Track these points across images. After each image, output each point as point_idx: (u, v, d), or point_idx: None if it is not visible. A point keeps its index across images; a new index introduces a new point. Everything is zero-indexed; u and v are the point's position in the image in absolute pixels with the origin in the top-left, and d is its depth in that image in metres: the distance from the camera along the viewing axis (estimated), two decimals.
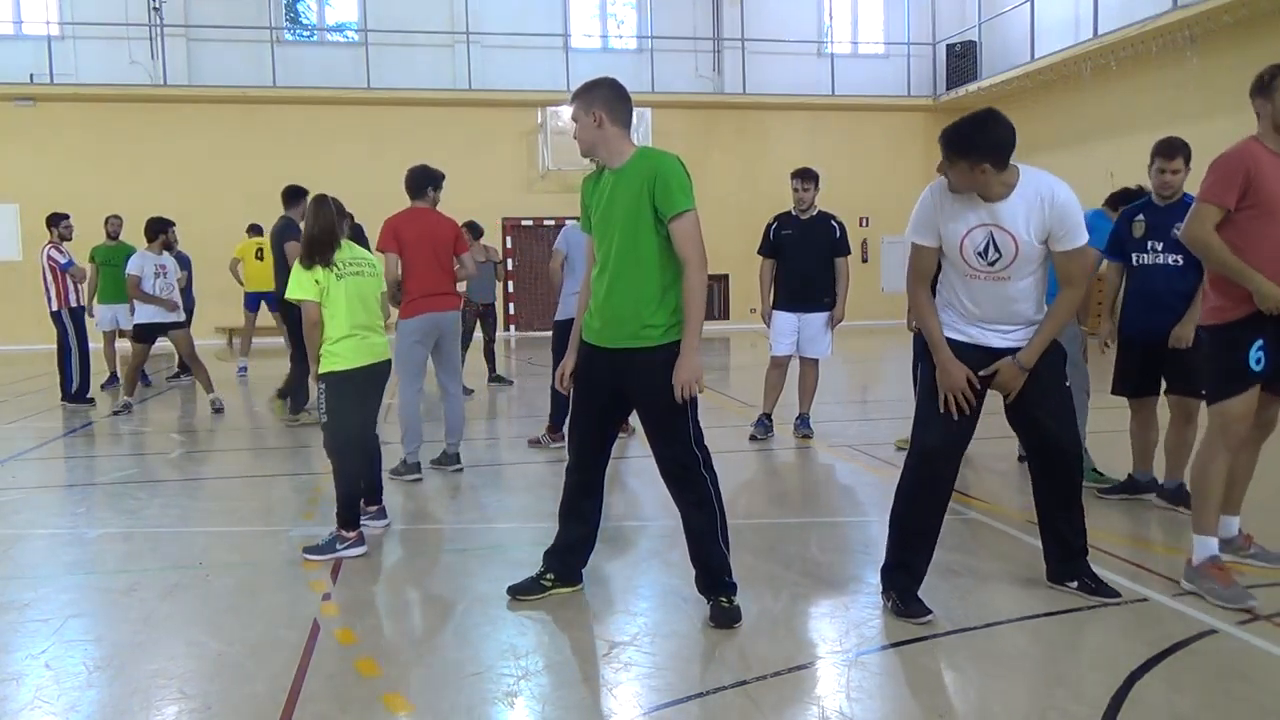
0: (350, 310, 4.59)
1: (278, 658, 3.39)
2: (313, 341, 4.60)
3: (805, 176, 7.45)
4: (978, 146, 3.41)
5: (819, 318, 7.50)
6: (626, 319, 3.60)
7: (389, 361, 4.81)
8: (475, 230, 10.73)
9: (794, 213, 7.49)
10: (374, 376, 4.70)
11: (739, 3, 20.59)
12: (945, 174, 3.58)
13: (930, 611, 3.60)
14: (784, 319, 7.51)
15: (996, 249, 3.53)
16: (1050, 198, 3.49)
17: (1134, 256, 5.15)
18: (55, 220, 10.38)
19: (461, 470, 6.42)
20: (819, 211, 7.48)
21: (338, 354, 4.56)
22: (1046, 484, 3.87)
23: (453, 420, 6.44)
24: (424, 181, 6.37)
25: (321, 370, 4.57)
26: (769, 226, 7.58)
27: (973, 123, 3.49)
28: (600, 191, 3.70)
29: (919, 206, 3.68)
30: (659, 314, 3.57)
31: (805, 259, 7.41)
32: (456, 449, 6.47)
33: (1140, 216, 5.15)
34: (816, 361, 7.64)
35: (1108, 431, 6.22)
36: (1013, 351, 3.65)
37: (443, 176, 6.50)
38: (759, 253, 7.62)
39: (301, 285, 4.54)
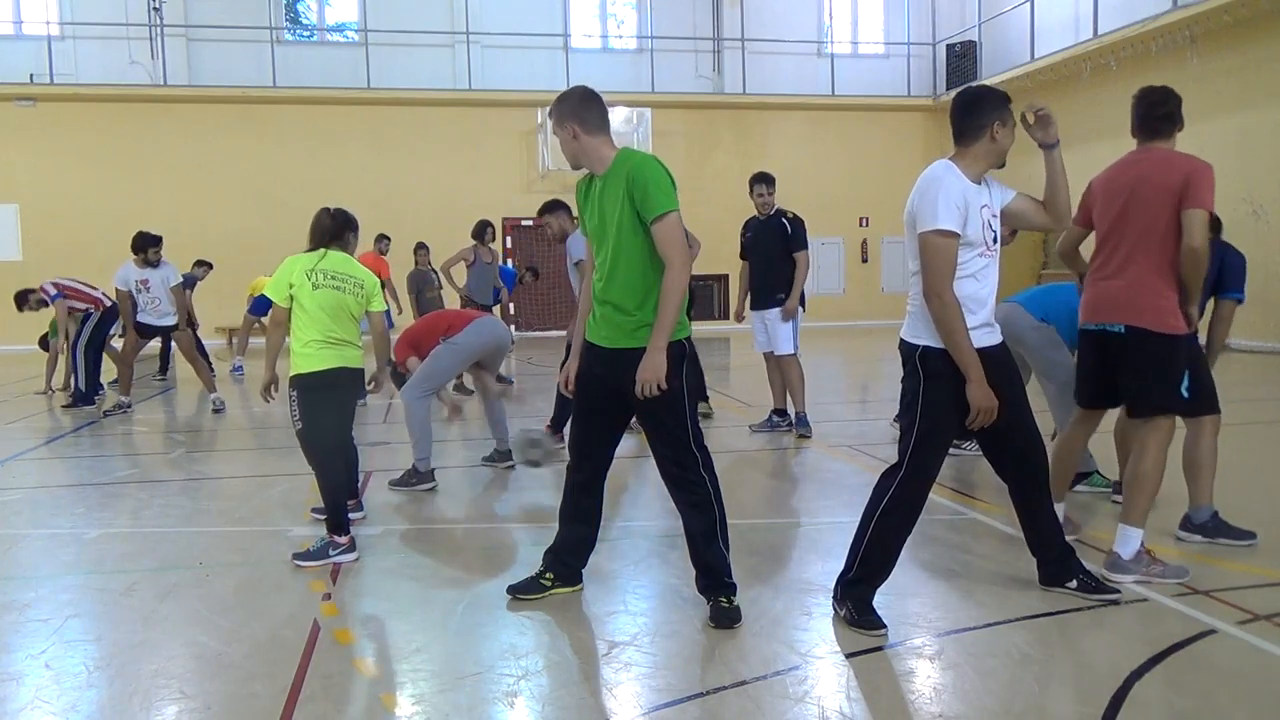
0: (320, 320, 4.61)
1: (278, 658, 3.39)
2: (271, 342, 4.87)
3: (762, 180, 7.74)
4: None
5: (774, 314, 7.75)
6: (622, 320, 3.61)
7: (359, 371, 4.81)
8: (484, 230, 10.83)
9: (756, 215, 7.87)
10: (342, 381, 4.70)
11: (739, 3, 20.58)
12: (1001, 139, 3.57)
13: (885, 625, 3.53)
14: (753, 318, 7.97)
15: (993, 226, 3.59)
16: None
17: None
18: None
19: (513, 467, 6.46)
20: (775, 210, 7.78)
21: (307, 356, 4.59)
22: (1021, 488, 3.82)
23: (502, 418, 6.60)
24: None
25: (292, 373, 4.61)
26: (742, 230, 8.03)
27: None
28: (592, 197, 3.71)
29: (945, 188, 3.44)
30: (653, 314, 3.55)
31: (760, 259, 7.82)
32: (508, 445, 6.51)
33: None
34: (791, 357, 7.73)
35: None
36: (996, 345, 3.62)
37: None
38: (740, 256, 8.07)
39: (276, 288, 4.69)
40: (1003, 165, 3.62)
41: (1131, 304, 4.02)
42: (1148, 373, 4.00)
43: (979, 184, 3.58)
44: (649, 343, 3.50)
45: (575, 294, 7.10)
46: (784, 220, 7.68)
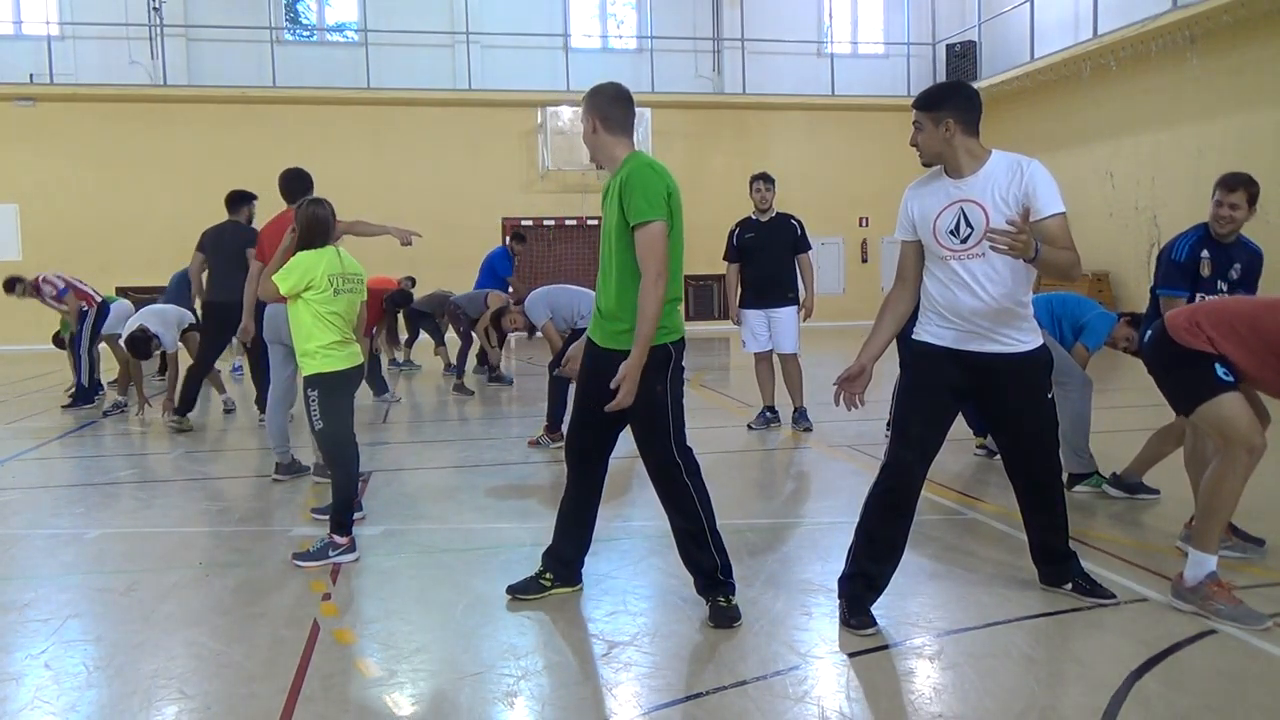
0: (337, 323, 4.63)
1: (278, 658, 3.40)
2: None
3: (766, 179, 7.89)
4: (945, 100, 3.50)
5: (786, 313, 7.87)
6: (606, 324, 3.66)
7: (363, 366, 4.85)
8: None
9: (754, 216, 7.92)
10: (354, 379, 4.78)
11: (739, 3, 20.58)
12: (918, 144, 3.57)
13: (875, 624, 3.54)
14: (754, 317, 7.94)
15: (968, 223, 3.44)
16: (1024, 165, 3.45)
17: (1199, 296, 4.66)
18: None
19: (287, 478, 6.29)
20: (778, 213, 7.91)
21: (328, 357, 4.59)
22: (1027, 488, 3.83)
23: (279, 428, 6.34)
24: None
25: (314, 371, 4.58)
26: (731, 232, 8.02)
27: (940, 84, 3.69)
28: (604, 199, 3.73)
29: (904, 199, 3.68)
30: (632, 319, 3.52)
31: (768, 259, 7.83)
32: (286, 459, 6.31)
33: (1206, 254, 4.71)
34: (795, 355, 7.92)
35: (1108, 432, 6.21)
36: (1003, 355, 3.53)
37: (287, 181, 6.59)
38: (724, 259, 8.04)
39: (289, 279, 4.55)
40: (928, 164, 3.60)
41: None
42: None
43: (962, 177, 3.46)
44: (630, 357, 3.48)
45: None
46: (793, 221, 7.89)
